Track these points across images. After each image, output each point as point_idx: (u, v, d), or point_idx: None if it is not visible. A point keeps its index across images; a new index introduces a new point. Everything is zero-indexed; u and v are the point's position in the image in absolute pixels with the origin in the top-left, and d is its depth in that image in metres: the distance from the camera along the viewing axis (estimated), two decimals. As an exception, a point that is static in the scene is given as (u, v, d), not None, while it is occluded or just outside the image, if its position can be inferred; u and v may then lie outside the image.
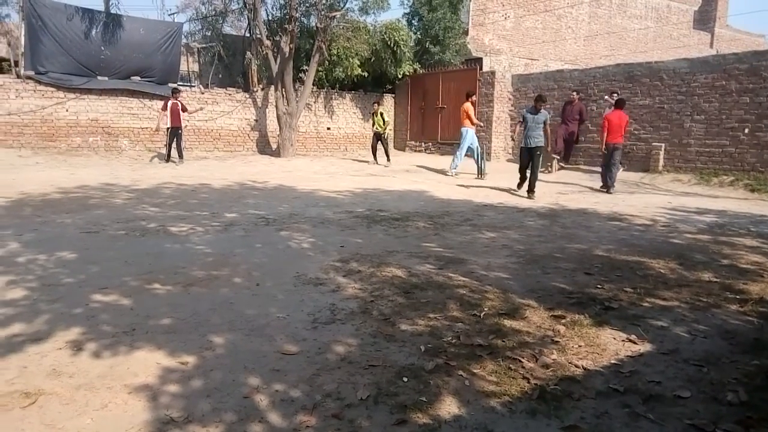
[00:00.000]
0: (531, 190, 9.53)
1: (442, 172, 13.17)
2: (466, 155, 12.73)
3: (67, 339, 2.94)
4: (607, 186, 10.65)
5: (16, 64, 13.97)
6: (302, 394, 2.41)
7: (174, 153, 13.74)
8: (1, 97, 13.17)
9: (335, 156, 17.31)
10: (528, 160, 9.57)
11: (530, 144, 9.51)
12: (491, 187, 10.73)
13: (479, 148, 12.53)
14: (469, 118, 12.52)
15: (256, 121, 16.74)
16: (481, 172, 12.44)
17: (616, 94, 12.23)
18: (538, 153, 9.52)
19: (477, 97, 12.80)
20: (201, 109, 15.23)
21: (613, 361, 2.82)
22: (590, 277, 4.42)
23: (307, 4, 16.53)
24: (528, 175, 9.63)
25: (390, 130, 16.14)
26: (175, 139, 13.66)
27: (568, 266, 4.75)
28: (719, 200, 9.53)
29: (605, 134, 10.53)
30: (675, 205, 8.85)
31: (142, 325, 3.16)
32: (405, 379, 2.56)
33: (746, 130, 10.95)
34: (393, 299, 3.73)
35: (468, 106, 12.56)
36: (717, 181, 11.01)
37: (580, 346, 3.01)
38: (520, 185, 9.95)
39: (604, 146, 10.60)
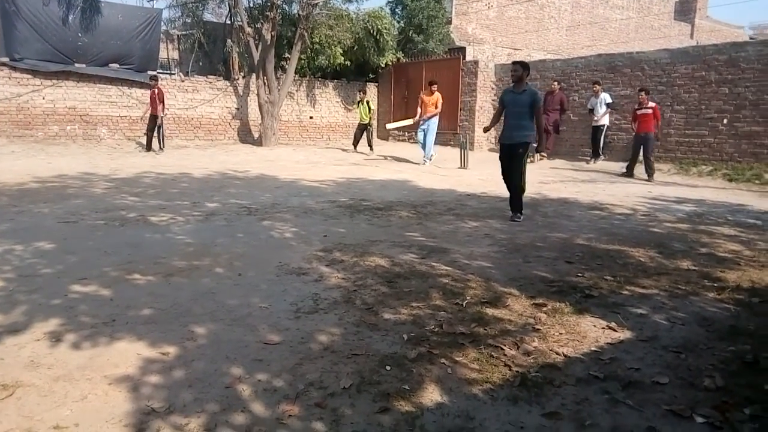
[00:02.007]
0: (517, 207, 6.50)
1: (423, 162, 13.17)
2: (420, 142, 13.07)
3: (45, 330, 2.89)
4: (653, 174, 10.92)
5: (-10, 50, 13.64)
6: (285, 384, 2.40)
7: (154, 142, 13.56)
8: (-26, 84, 12.86)
9: (318, 145, 17.23)
10: (507, 162, 6.52)
11: (508, 139, 6.41)
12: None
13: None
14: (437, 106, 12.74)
15: (238, 109, 16.58)
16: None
17: (598, 85, 12.48)
18: (521, 151, 6.36)
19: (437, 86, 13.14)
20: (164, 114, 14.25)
21: (593, 348, 2.85)
22: (571, 265, 4.46)
23: (289, -9, 16.36)
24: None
25: (373, 119, 16.14)
26: (156, 127, 13.47)
27: (549, 255, 4.79)
28: (698, 189, 9.66)
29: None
30: (655, 194, 8.96)
31: (122, 316, 3.12)
32: (388, 368, 2.56)
33: (725, 121, 11.11)
34: (376, 288, 3.73)
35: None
36: (696, 170, 11.16)
37: (560, 333, 3.04)
38: (514, 209, 6.52)
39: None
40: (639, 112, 10.79)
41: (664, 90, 12.02)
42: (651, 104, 10.72)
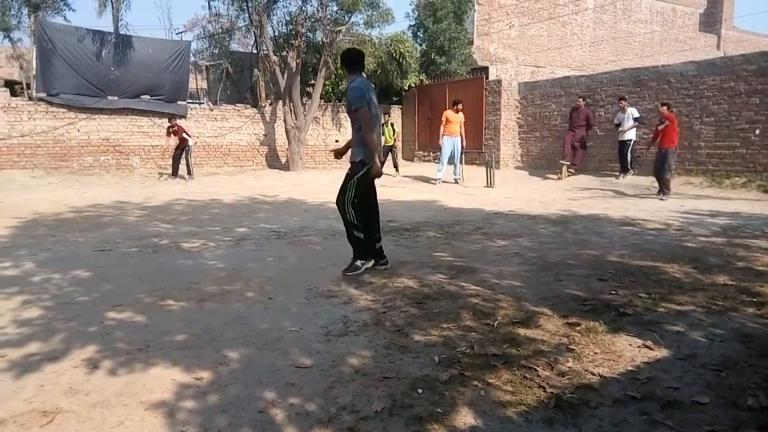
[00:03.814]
0: (359, 256, 4.73)
1: (454, 181, 13.17)
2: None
3: (83, 357, 2.96)
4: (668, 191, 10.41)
5: (28, 86, 14.23)
6: (317, 408, 2.40)
7: (182, 169, 13.91)
8: (14, 119, 13.39)
9: (344, 168, 17.31)
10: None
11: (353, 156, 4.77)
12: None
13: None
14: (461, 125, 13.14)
15: (265, 135, 16.87)
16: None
17: (624, 101, 12.39)
18: (352, 180, 4.70)
19: (462, 105, 13.57)
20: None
21: (629, 368, 2.79)
22: (604, 283, 4.39)
23: (313, 20, 16.69)
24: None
25: (398, 140, 16.30)
26: (183, 154, 13.83)
27: (581, 273, 4.72)
28: (732, 202, 9.44)
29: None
30: (687, 208, 8.78)
31: (157, 342, 3.17)
32: (420, 391, 2.54)
33: (757, 131, 10.86)
34: (405, 310, 3.73)
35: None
36: (729, 183, 10.91)
37: (595, 353, 2.98)
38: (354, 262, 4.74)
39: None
40: (660, 128, 10.53)
41: (692, 102, 11.83)
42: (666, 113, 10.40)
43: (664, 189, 10.29)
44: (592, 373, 2.72)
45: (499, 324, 3.42)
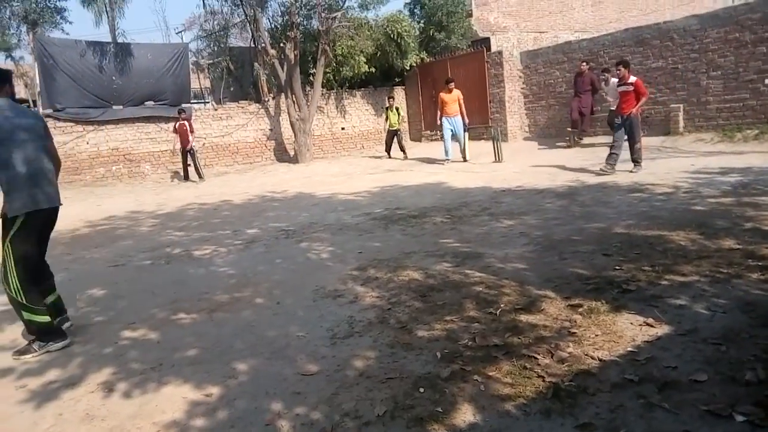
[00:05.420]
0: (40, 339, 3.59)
1: (462, 160, 13.11)
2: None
3: (98, 381, 3.06)
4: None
5: (34, 104, 14.42)
6: (322, 416, 2.47)
7: (192, 172, 14.05)
8: (24, 138, 13.57)
9: (352, 155, 17.39)
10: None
11: (53, 200, 3.78)
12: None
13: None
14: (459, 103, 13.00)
15: (271, 130, 16.92)
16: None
17: (607, 72, 11.83)
18: (5, 245, 3.60)
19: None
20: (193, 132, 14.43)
21: (629, 349, 2.81)
22: (608, 258, 4.38)
23: (307, 8, 16.59)
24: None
25: (404, 122, 16.25)
26: (189, 158, 13.97)
27: (586, 249, 4.72)
28: (744, 156, 9.27)
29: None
30: (698, 167, 8.65)
31: (169, 359, 3.27)
32: (421, 390, 2.60)
33: (766, 81, 10.61)
34: (410, 304, 3.78)
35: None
36: (741, 136, 10.71)
37: (596, 335, 3.00)
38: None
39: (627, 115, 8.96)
40: (620, 89, 9.17)
41: (697, 57, 11.58)
42: (632, 79, 8.96)
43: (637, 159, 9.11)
44: (592, 357, 2.75)
45: (502, 312, 3.45)
